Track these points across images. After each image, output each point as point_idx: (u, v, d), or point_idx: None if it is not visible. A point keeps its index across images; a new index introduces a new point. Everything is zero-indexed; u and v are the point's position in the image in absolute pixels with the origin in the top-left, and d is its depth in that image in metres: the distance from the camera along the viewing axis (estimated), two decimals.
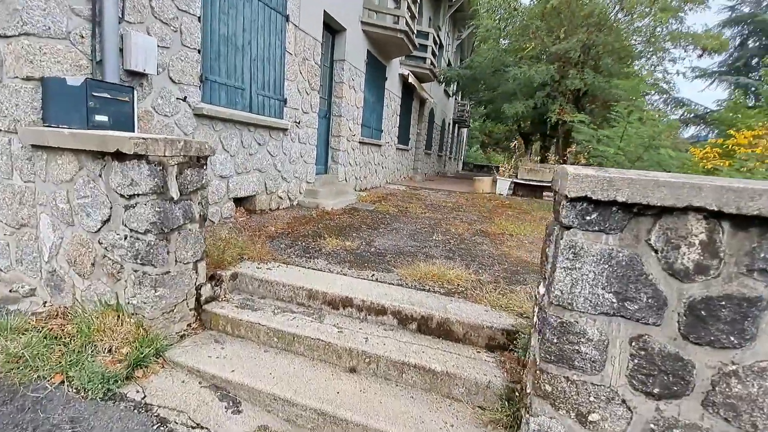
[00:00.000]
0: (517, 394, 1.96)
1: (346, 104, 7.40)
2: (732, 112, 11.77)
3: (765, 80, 13.02)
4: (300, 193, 6.21)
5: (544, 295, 1.71)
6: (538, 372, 1.59)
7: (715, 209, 1.25)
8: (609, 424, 1.51)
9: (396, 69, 10.39)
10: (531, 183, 9.72)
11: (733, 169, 9.38)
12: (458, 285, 3.03)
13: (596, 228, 1.41)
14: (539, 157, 18.46)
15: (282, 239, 4.00)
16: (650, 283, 1.39)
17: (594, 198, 1.36)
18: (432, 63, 11.25)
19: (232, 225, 4.27)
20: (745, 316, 1.31)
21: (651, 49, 10.55)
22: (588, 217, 1.42)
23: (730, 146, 11.40)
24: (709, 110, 18.15)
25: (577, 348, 1.50)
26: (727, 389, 1.37)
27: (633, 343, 1.45)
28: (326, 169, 7.55)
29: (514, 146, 11.50)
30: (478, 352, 2.31)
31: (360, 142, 8.37)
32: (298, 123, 5.82)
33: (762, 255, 1.28)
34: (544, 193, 10.01)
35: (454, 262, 3.72)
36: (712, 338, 1.36)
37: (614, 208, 1.38)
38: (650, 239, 1.37)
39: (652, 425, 1.46)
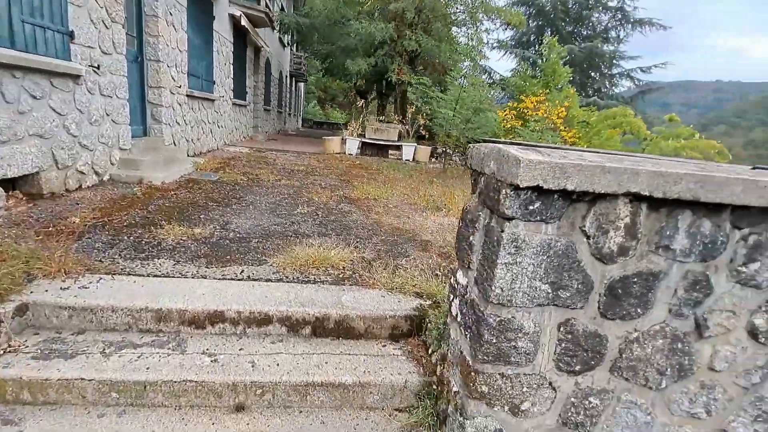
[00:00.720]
0: (435, 387, 1.84)
1: (164, 45, 5.84)
2: (522, 80, 14.34)
3: (544, 55, 16.17)
4: (112, 164, 4.73)
5: (469, 288, 1.56)
6: (473, 374, 1.46)
7: (647, 194, 1.25)
8: (537, 408, 1.50)
9: (225, 7, 8.77)
10: (378, 142, 9.92)
11: (528, 129, 11.55)
12: (344, 268, 2.73)
13: (538, 218, 1.28)
14: (379, 116, 19.17)
15: (96, 235, 2.91)
16: (581, 270, 1.36)
17: (545, 187, 1.20)
18: (267, 5, 9.92)
19: (2, 222, 2.89)
20: (650, 289, 1.41)
21: (470, 19, 11.70)
22: (531, 207, 1.27)
23: (521, 109, 13.98)
24: (504, 78, 21.78)
25: (514, 344, 1.40)
26: (629, 354, 1.49)
27: (561, 328, 1.43)
28: (146, 131, 5.97)
29: (361, 105, 11.45)
30: (384, 345, 2.11)
31: (188, 96, 6.88)
32: (98, 68, 4.26)
33: (667, 233, 1.36)
34: (389, 152, 10.39)
35: (330, 238, 3.39)
36: (624, 312, 1.43)
37: (555, 196, 1.26)
38: (584, 226, 1.32)
39: (572, 399, 1.51)
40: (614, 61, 20.37)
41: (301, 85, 29.31)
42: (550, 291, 1.37)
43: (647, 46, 20.05)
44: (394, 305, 2.24)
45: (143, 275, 2.32)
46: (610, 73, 21.41)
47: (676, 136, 11.30)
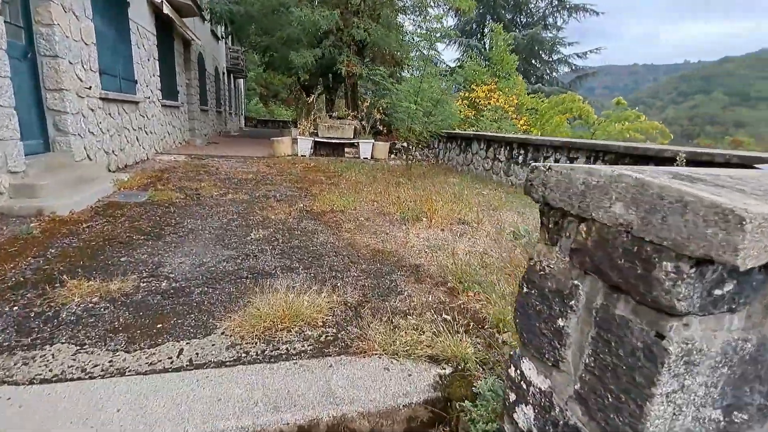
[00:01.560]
0: None
1: (62, 37, 4.69)
2: (473, 69, 14.15)
3: (491, 43, 16.10)
4: (0, 192, 3.65)
5: (558, 399, 0.97)
6: None
7: None
8: None
9: None
10: (332, 141, 9.16)
11: (486, 120, 11.33)
12: (325, 324, 2.06)
13: (724, 308, 0.71)
14: (328, 112, 18.23)
15: None
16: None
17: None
18: None
19: None
20: None
21: (419, 4, 11.17)
22: (717, 292, 0.69)
23: (473, 99, 13.79)
24: (454, 67, 21.65)
25: None
26: None
27: None
28: (48, 146, 4.81)
29: (311, 101, 10.54)
30: None
31: (103, 99, 5.72)
32: None
33: None
34: (345, 150, 9.66)
35: (298, 275, 2.68)
36: None
37: (758, 269, 0.70)
38: None
39: None
40: (555, 48, 20.89)
41: (241, 81, 27.44)
42: (721, 418, 0.81)
43: (570, 34, 20.96)
44: (405, 383, 1.62)
45: (21, 383, 1.51)
46: (550, 59, 22.01)
47: (624, 119, 11.61)
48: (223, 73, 18.97)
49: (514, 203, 5.20)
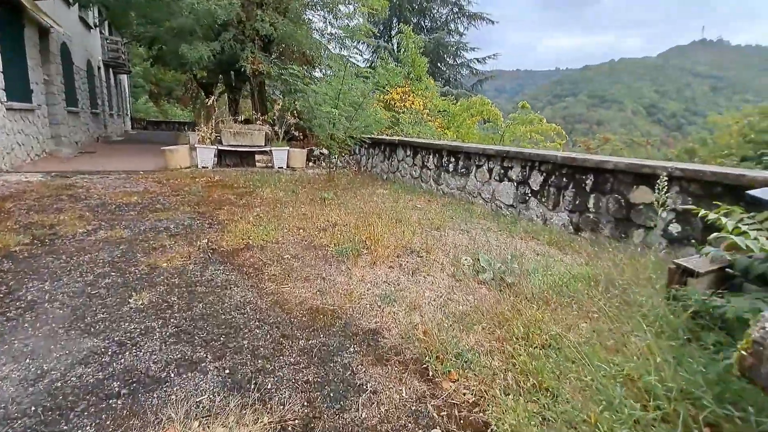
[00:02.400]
0: None
1: None
2: (386, 71, 13.83)
3: (402, 45, 15.99)
4: None
5: None
6: None
7: None
8: None
9: None
10: (240, 149, 7.96)
11: (407, 123, 11.03)
12: None
13: None
14: (232, 114, 16.43)
15: None
16: None
17: None
18: None
19: None
20: None
21: (330, 2, 10.38)
22: None
23: (388, 101, 13.50)
24: (361, 67, 21.22)
25: None
26: None
27: None
28: None
29: (211, 102, 9.04)
30: None
31: None
32: None
33: None
34: (256, 158, 8.51)
35: (205, 374, 1.82)
36: None
37: None
38: None
39: None
40: (458, 52, 21.71)
41: (124, 77, 23.69)
42: None
43: (468, 40, 22.24)
44: None
45: None
46: (455, 63, 22.85)
47: (529, 121, 12.25)
48: (99, 68, 16.01)
49: (454, 218, 4.79)
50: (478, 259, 3.26)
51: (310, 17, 12.81)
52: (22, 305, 2.40)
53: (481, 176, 5.53)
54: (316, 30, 12.07)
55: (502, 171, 5.16)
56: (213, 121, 7.69)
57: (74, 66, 11.56)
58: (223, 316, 2.38)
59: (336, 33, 11.14)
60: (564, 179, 4.36)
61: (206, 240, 3.70)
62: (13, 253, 3.18)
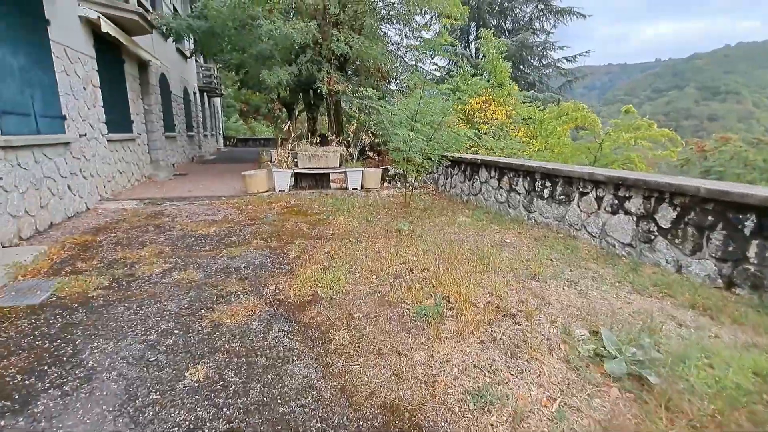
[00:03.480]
0: None
1: None
2: (466, 84, 13.06)
3: (481, 50, 15.09)
4: None
5: None
6: None
7: None
8: None
9: (71, 7, 6.20)
10: (314, 171, 7.86)
11: (489, 139, 10.20)
12: None
13: None
14: (310, 132, 16.92)
15: None
16: None
17: None
18: (141, 3, 7.42)
19: None
20: None
21: (407, 12, 10.02)
22: None
23: (467, 111, 12.69)
24: (435, 77, 20.60)
25: None
26: None
27: None
28: None
29: (288, 128, 9.18)
30: None
31: (2, 147, 4.35)
32: None
33: None
34: (331, 179, 8.38)
35: None
36: None
37: None
38: None
39: None
40: (545, 53, 20.08)
41: (217, 100, 26.02)
42: None
43: (554, 39, 20.21)
44: None
45: None
46: (540, 65, 21.19)
47: (635, 128, 10.61)
48: (195, 93, 17.59)
49: (554, 260, 3.98)
50: (598, 333, 2.49)
51: (386, 31, 12.63)
52: (81, 374, 2.24)
53: (586, 206, 4.61)
54: (392, 44, 11.81)
55: (616, 201, 4.21)
56: (288, 145, 7.69)
57: (172, 94, 12.69)
58: (281, 408, 1.97)
59: (412, 45, 10.74)
60: (709, 217, 3.34)
61: (274, 286, 3.41)
62: (90, 299, 3.16)
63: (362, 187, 8.17)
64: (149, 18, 7.81)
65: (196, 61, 18.34)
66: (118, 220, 5.65)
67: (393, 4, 9.94)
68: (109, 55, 7.68)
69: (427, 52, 11.11)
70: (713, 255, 3.31)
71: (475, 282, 3.32)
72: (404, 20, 10.22)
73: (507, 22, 21.59)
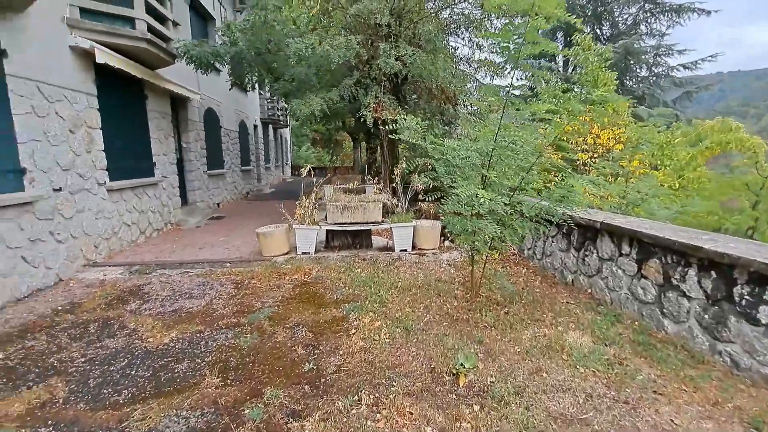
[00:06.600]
0: None
1: None
2: (551, 97, 10.35)
3: (577, 60, 12.24)
4: None
5: None
6: None
7: None
8: None
9: (53, 35, 5.10)
10: (349, 228, 5.85)
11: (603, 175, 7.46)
12: None
13: None
14: (367, 165, 15.27)
15: None
16: None
17: None
18: (152, 29, 6.25)
19: None
20: None
21: (482, 15, 7.89)
22: None
23: (557, 136, 9.87)
24: (513, 97, 17.82)
25: None
26: None
27: None
28: None
29: (317, 182, 7.28)
30: None
31: None
32: None
33: None
34: (372, 238, 6.30)
35: None
36: None
37: None
38: None
39: None
40: (658, 59, 16.34)
41: (285, 131, 26.03)
42: None
43: (670, 42, 16.00)
44: None
45: None
46: (649, 75, 17.37)
47: None
48: (256, 126, 17.09)
49: None
50: None
51: (453, 44, 10.57)
52: None
53: None
54: (461, 58, 9.67)
55: None
56: (313, 195, 5.83)
57: (222, 129, 11.87)
58: None
59: (484, 60, 8.50)
60: None
61: None
62: None
63: (414, 248, 5.97)
64: (166, 46, 6.65)
65: (260, 93, 17.99)
66: (79, 303, 4.17)
67: (456, 11, 7.78)
68: (125, 90, 6.64)
69: (507, 65, 8.74)
70: None
71: None
72: (474, 24, 8.07)
73: (604, 27, 18.26)
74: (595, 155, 9.93)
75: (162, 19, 6.79)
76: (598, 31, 18.35)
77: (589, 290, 4.31)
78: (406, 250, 5.88)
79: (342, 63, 7.03)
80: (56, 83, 5.02)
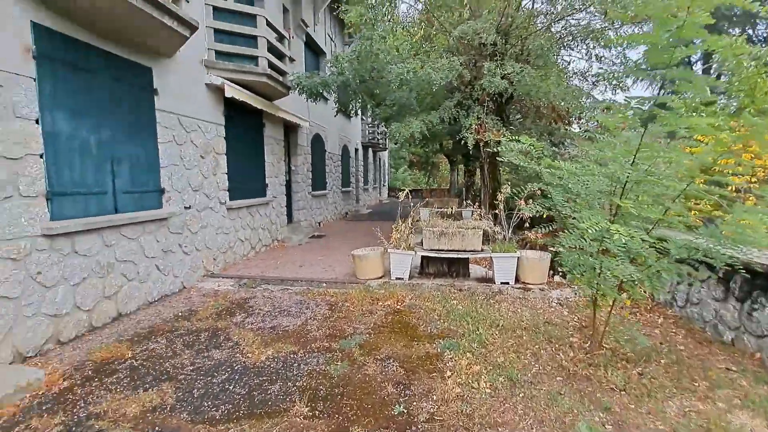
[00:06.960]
0: None
1: None
2: (692, 110, 8.74)
3: (728, 67, 10.34)
4: None
5: None
6: None
7: None
8: None
9: (193, 74, 5.89)
10: (445, 255, 5.52)
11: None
12: None
13: None
14: (467, 181, 14.81)
15: None
16: None
17: None
18: (272, 65, 6.90)
19: None
20: None
21: (608, 23, 7.10)
22: None
23: (719, 155, 8.27)
24: (636, 111, 15.72)
25: None
26: None
27: None
28: None
29: (413, 207, 7.15)
30: None
31: (49, 236, 3.65)
32: None
33: None
34: (469, 268, 5.86)
35: None
36: None
37: None
38: None
39: None
40: None
41: (384, 153, 26.93)
42: None
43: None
44: None
45: None
46: None
47: None
48: (357, 150, 17.94)
49: None
50: None
51: (565, 57, 9.75)
52: None
53: None
54: (575, 72, 8.84)
55: None
56: (410, 219, 5.67)
57: (327, 153, 12.63)
58: None
59: (610, 71, 7.60)
60: None
61: None
62: None
63: (517, 281, 5.38)
64: (282, 80, 7.30)
65: (362, 119, 18.91)
66: (189, 314, 4.57)
67: (578, 9, 7.05)
68: (246, 120, 7.42)
69: (628, 77, 7.78)
70: None
71: None
72: (592, 35, 7.27)
73: (757, 27, 15.29)
74: (753, 179, 8.15)
75: (280, 56, 7.51)
76: (750, 31, 15.42)
77: (758, 354, 3.31)
78: (508, 283, 5.33)
79: (443, 85, 6.90)
80: (193, 115, 5.78)
